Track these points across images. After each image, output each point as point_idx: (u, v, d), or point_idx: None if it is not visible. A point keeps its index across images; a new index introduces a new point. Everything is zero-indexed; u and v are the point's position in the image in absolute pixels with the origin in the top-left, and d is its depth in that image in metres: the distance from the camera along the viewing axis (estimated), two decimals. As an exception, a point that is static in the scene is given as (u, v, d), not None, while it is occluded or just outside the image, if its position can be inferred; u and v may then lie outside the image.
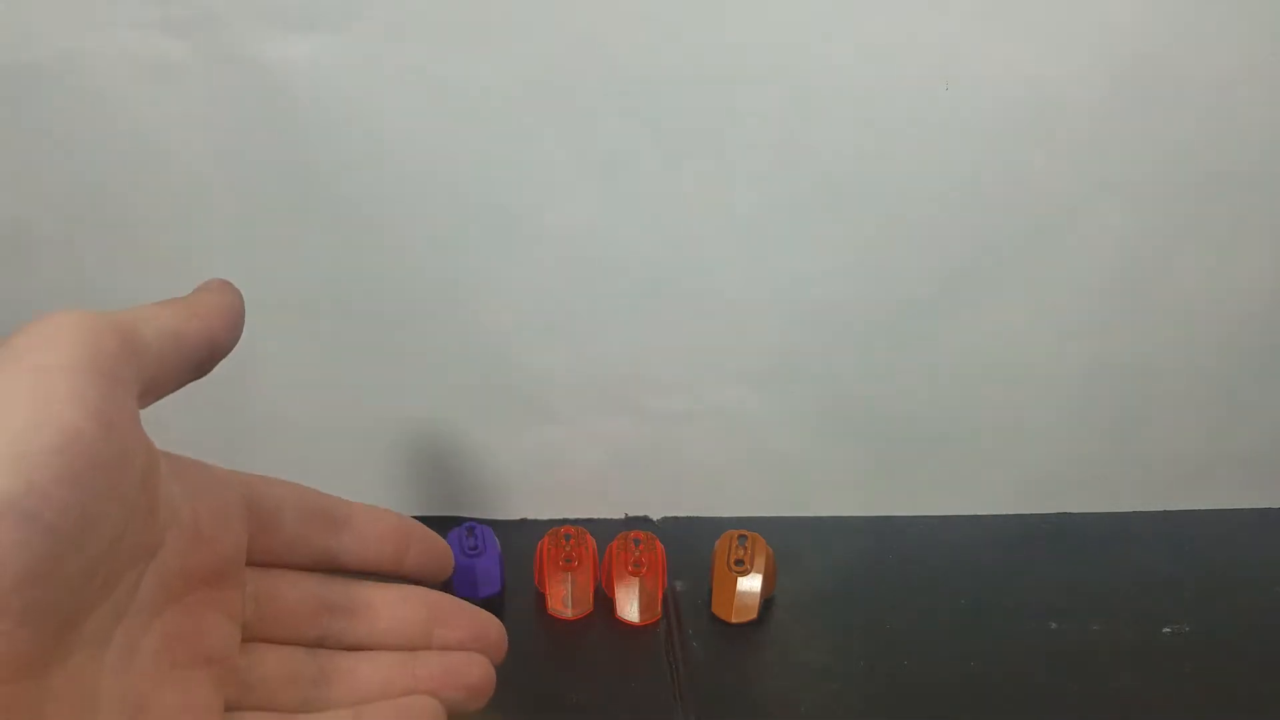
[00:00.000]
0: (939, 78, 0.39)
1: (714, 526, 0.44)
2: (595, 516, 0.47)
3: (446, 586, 0.29)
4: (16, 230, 0.42)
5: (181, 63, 0.39)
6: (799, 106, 0.40)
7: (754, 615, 0.41)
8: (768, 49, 0.39)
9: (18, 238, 0.42)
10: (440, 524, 0.35)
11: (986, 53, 0.39)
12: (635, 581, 0.41)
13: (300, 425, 0.46)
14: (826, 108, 0.39)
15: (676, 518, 0.48)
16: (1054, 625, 0.42)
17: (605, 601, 0.42)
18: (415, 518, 0.29)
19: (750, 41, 0.39)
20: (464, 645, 0.27)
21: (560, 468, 0.47)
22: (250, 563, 0.24)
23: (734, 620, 0.41)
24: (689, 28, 0.39)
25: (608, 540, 0.43)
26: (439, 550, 0.28)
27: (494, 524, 0.46)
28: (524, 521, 0.47)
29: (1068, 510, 0.49)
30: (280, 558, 0.25)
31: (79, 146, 0.41)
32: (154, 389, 0.22)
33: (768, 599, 0.42)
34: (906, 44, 0.39)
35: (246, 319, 0.25)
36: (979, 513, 0.49)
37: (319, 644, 0.26)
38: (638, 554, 0.42)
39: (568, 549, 0.42)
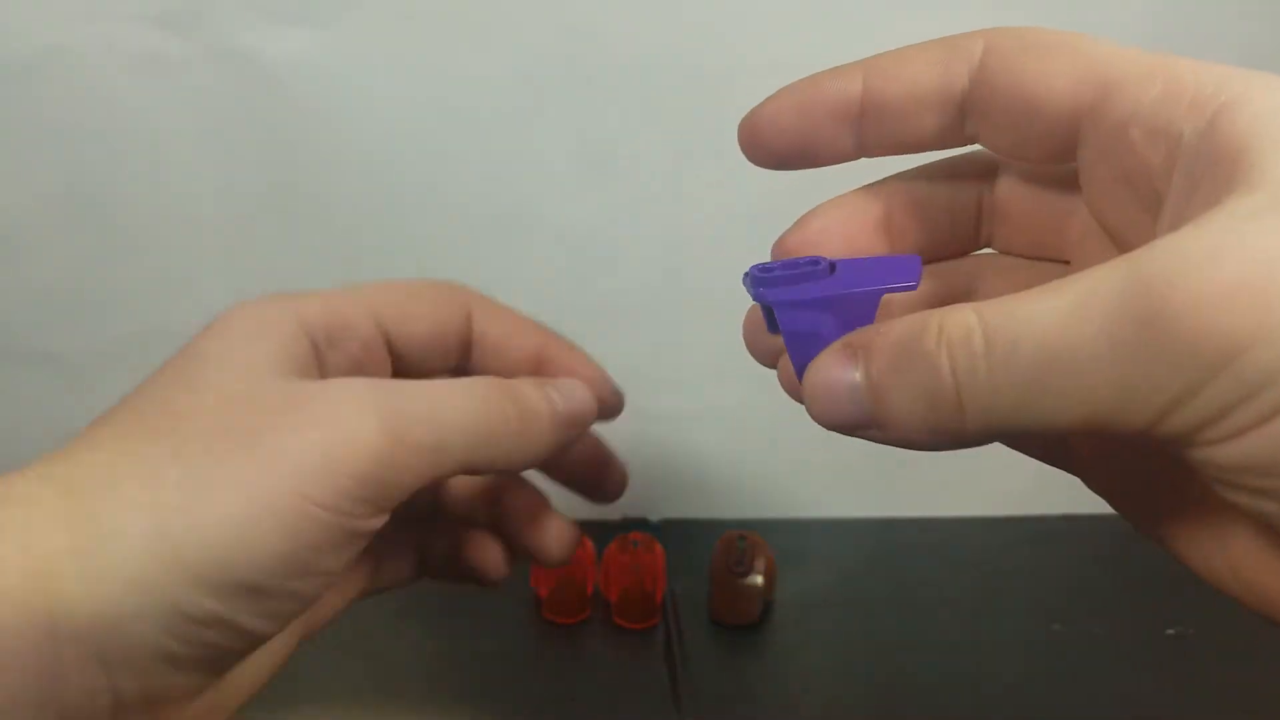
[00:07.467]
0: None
1: (713, 528, 0.44)
2: (592, 517, 0.47)
3: None
4: (5, 225, 0.42)
5: (172, 56, 0.39)
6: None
7: (754, 618, 0.41)
8: (771, 42, 0.39)
9: (7, 232, 0.42)
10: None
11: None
12: (633, 584, 0.41)
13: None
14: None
15: (675, 519, 0.48)
16: (1057, 627, 0.41)
17: (603, 605, 0.42)
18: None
19: (753, 35, 0.39)
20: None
21: (557, 468, 0.46)
22: None
23: (734, 623, 0.41)
24: (689, 22, 0.39)
25: (605, 542, 0.43)
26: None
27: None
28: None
29: (1071, 512, 0.49)
30: None
31: (68, 141, 0.40)
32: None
33: (768, 602, 0.42)
34: (909, 40, 0.38)
35: None
36: (980, 514, 0.48)
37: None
38: (636, 556, 0.41)
39: (565, 551, 0.42)
